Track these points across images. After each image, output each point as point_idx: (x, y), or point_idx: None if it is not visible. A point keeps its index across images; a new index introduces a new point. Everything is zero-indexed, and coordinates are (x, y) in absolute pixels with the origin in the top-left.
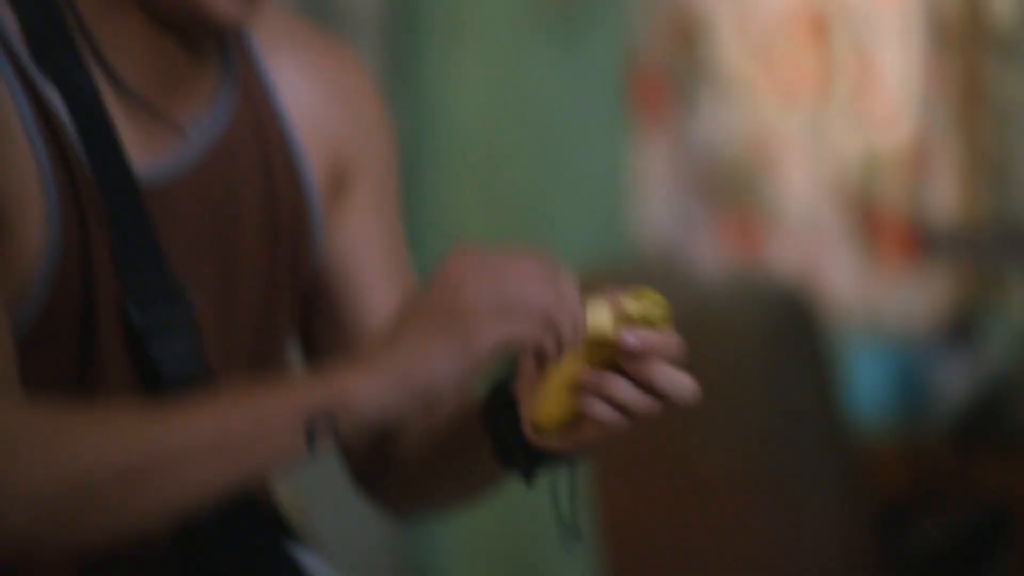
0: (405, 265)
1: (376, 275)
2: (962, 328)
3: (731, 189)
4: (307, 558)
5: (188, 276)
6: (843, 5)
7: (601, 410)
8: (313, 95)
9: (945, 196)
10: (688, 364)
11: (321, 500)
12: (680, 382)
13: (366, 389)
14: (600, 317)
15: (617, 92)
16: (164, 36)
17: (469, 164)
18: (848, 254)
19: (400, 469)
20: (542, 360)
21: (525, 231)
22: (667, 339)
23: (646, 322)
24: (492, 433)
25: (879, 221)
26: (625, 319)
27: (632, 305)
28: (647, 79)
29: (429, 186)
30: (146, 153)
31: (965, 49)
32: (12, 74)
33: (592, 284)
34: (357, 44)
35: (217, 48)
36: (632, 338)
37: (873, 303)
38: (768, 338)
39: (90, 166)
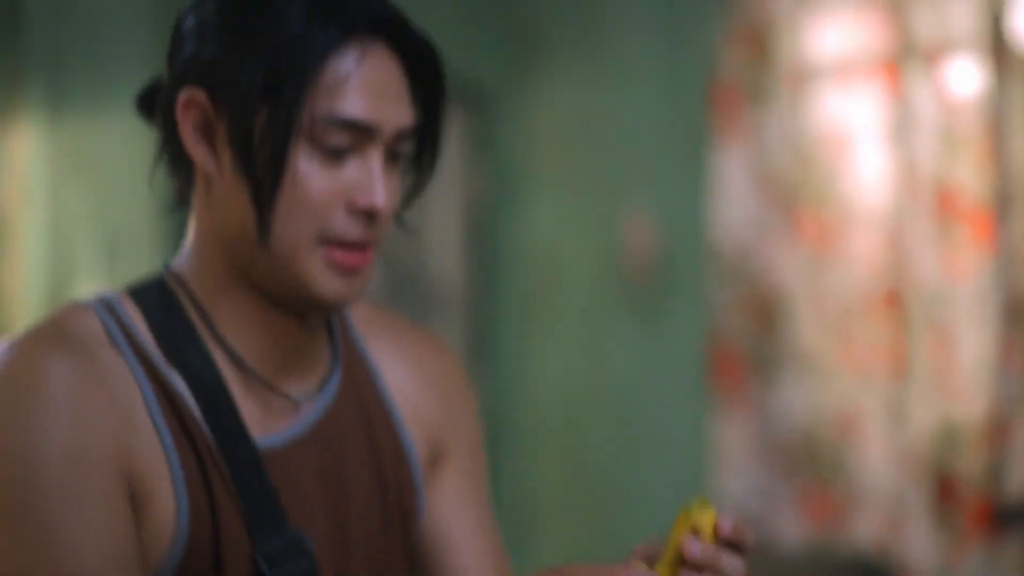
0: (493, 528)
1: (469, 539)
2: None
3: (810, 463)
4: None
5: (307, 533)
6: (917, 283)
7: None
8: (412, 379)
9: (1021, 470)
10: None
11: None
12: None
13: None
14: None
15: (697, 367)
16: (278, 317)
17: (549, 437)
18: (926, 526)
19: None
20: None
21: (605, 505)
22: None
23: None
24: None
25: (956, 494)
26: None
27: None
28: (727, 355)
29: (509, 459)
30: (264, 425)
31: None
32: (140, 368)
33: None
34: (441, 319)
35: (324, 329)
36: (695, 548)
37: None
38: None
39: (214, 441)
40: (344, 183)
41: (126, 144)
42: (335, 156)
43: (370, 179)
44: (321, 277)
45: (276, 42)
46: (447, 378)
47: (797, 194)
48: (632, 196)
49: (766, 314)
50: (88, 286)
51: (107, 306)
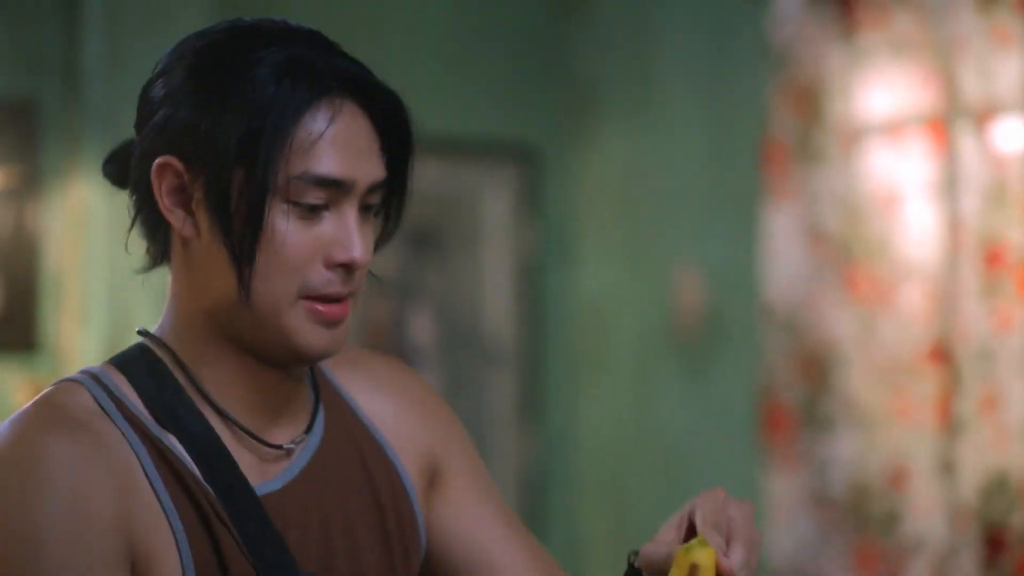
0: (523, 527)
1: (503, 542)
2: None
3: (861, 516)
4: None
5: (318, 574)
6: (966, 337)
7: None
8: (389, 406)
9: None
10: None
11: None
12: None
13: None
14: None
15: (747, 422)
16: (263, 371)
17: (598, 492)
18: None
19: None
20: None
21: None
22: None
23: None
24: None
25: (1007, 547)
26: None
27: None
28: (777, 409)
29: (558, 512)
30: (260, 472)
31: None
32: (134, 434)
33: None
34: (492, 374)
35: (307, 375)
36: None
37: None
38: None
39: (215, 495)
40: (321, 239)
41: None
42: (311, 213)
43: (347, 234)
44: (304, 331)
45: (249, 105)
46: (422, 399)
47: (847, 250)
48: (681, 252)
49: (816, 368)
50: None
51: (95, 379)
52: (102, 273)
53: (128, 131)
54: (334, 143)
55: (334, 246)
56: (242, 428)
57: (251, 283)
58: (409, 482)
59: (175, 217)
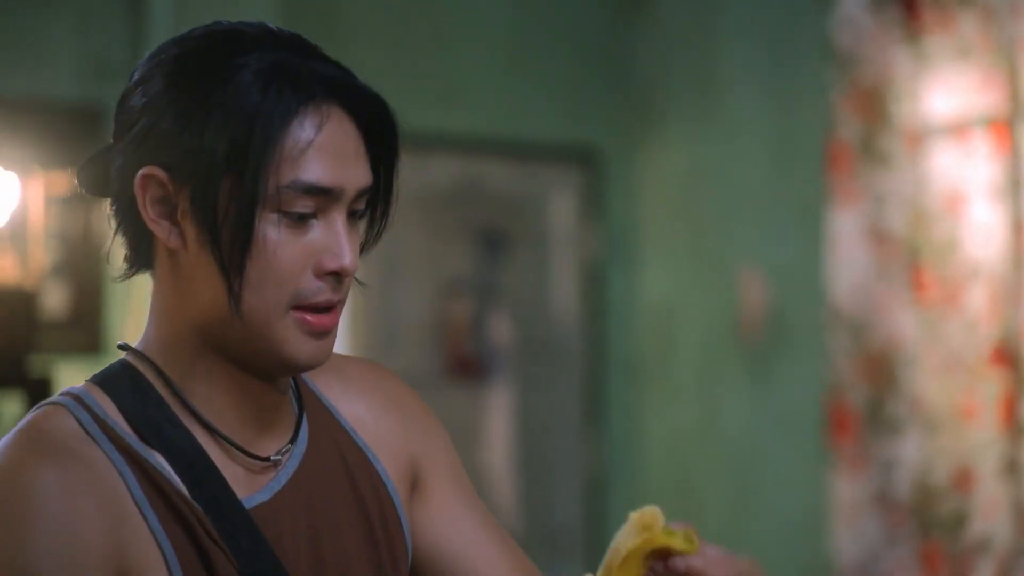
0: (504, 535)
1: (482, 550)
2: None
3: (928, 518)
4: None
5: None
6: None
7: None
8: (369, 409)
9: None
10: None
11: None
12: None
13: None
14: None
15: (813, 424)
16: (250, 382)
17: (663, 494)
18: None
19: None
20: None
21: None
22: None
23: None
24: None
25: None
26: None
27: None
28: (843, 411)
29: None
30: (248, 485)
31: None
32: (119, 456)
33: None
34: (560, 377)
35: (290, 383)
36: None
37: None
38: None
39: (205, 512)
40: (311, 247)
41: None
42: (300, 222)
43: (336, 241)
44: (294, 341)
45: (234, 113)
46: (401, 402)
47: (912, 251)
48: (746, 254)
49: (882, 370)
50: None
51: (78, 400)
52: None
53: None
54: (322, 150)
55: (324, 254)
56: (229, 441)
57: (241, 295)
58: (392, 487)
59: (160, 228)
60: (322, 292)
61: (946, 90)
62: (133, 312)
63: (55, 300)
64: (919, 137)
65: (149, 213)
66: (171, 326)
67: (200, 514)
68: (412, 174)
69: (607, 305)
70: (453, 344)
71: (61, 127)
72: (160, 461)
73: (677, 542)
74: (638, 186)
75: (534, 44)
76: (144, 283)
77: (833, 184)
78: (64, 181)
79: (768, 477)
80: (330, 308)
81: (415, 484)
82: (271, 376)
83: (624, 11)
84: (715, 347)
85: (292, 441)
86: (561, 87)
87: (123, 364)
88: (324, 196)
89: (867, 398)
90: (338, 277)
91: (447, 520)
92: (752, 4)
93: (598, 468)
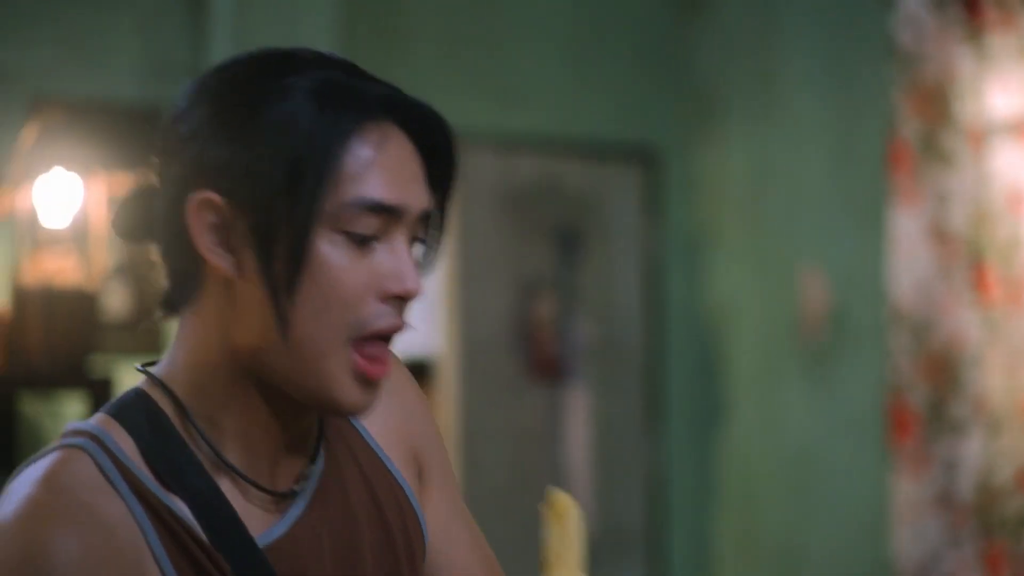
0: (484, 544)
1: (465, 560)
2: None
3: (991, 519)
4: None
5: None
6: None
7: None
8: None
9: None
10: None
11: None
12: None
13: None
14: None
15: (875, 425)
16: (285, 414)
17: (725, 495)
18: None
19: None
20: None
21: (782, 566)
22: None
23: None
24: None
25: None
26: None
27: None
28: (905, 412)
29: (684, 518)
30: (263, 519)
31: None
32: (139, 506)
33: None
34: (622, 378)
35: None
36: None
37: None
38: None
39: (223, 557)
40: (375, 271)
41: None
42: (362, 244)
43: (401, 264)
44: (344, 384)
45: (291, 132)
46: (404, 390)
47: (975, 251)
48: (806, 253)
49: (944, 370)
50: None
51: (97, 441)
52: None
53: None
54: (385, 168)
55: (388, 278)
56: (250, 482)
57: (295, 320)
58: (407, 486)
59: (215, 255)
60: (386, 316)
61: (1008, 88)
62: None
63: (116, 301)
64: (981, 136)
65: (204, 241)
66: (208, 356)
67: (220, 562)
68: (485, 172)
69: (668, 305)
70: (539, 345)
71: (122, 128)
72: (179, 505)
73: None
74: (699, 185)
75: (595, 43)
76: None
77: (894, 183)
78: (126, 182)
79: (829, 478)
80: (391, 337)
81: (420, 479)
82: (308, 414)
83: (685, 10)
84: (776, 347)
85: (312, 460)
86: (621, 86)
87: (138, 394)
88: (387, 216)
89: (929, 398)
90: (402, 302)
91: (442, 525)
92: (813, 3)
93: (660, 469)
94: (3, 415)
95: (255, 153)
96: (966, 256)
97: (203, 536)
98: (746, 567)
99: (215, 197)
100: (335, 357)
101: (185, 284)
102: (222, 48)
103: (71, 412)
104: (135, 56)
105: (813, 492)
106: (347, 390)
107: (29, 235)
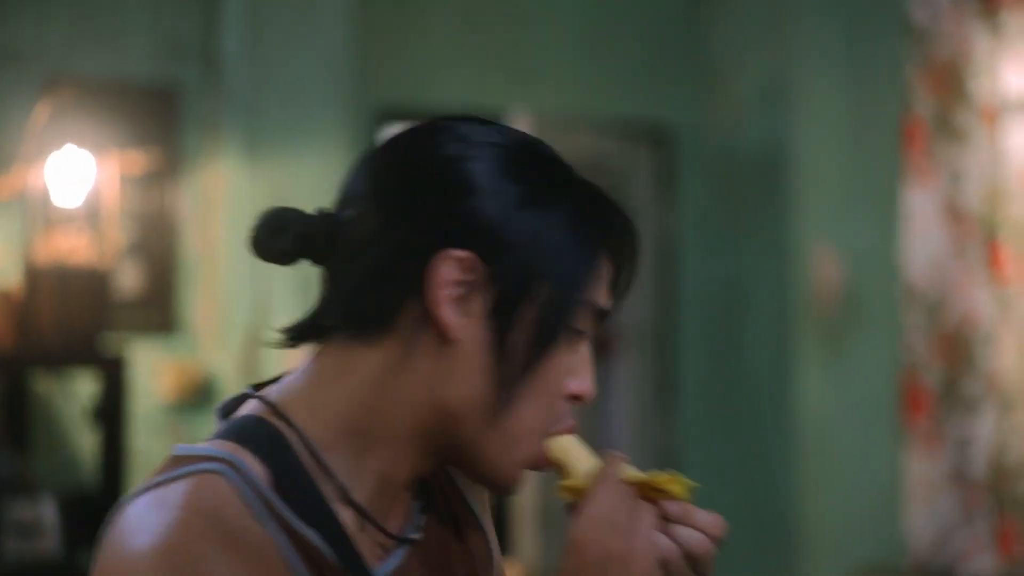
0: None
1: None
2: None
3: (1003, 496)
4: None
5: None
6: None
7: None
8: None
9: None
10: None
11: None
12: None
13: None
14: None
15: (888, 402)
16: (424, 466)
17: (737, 473)
18: None
19: None
20: None
21: (794, 543)
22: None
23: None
24: None
25: None
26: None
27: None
28: (919, 389)
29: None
30: (373, 557)
31: None
32: (282, 535)
33: None
34: (630, 354)
35: None
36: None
37: None
38: None
39: None
40: (569, 368)
41: (319, 182)
42: (575, 342)
43: (585, 366)
44: (519, 471)
45: (593, 230)
46: None
47: (989, 229)
48: (820, 232)
49: (957, 348)
50: (284, 322)
51: (234, 467)
52: (241, 255)
53: (264, 115)
54: (604, 277)
55: (572, 378)
56: (372, 521)
57: (515, 401)
58: (492, 537)
59: (448, 313)
60: (567, 417)
61: (1023, 67)
62: (206, 292)
63: (129, 279)
64: (995, 114)
65: (437, 295)
66: (397, 401)
67: None
68: None
69: (682, 283)
70: None
71: (135, 106)
72: (314, 536)
73: (676, 488)
74: (714, 164)
75: (610, 21)
76: (215, 263)
77: (909, 161)
78: (138, 160)
79: (843, 455)
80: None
81: None
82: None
83: None
84: (790, 325)
85: (423, 509)
86: (637, 64)
87: (259, 421)
88: (599, 322)
89: (942, 376)
90: (577, 402)
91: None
92: None
93: (674, 446)
94: (15, 393)
95: (537, 235)
96: (980, 234)
97: (341, 569)
98: (760, 545)
99: (474, 258)
100: (531, 446)
101: (367, 321)
102: (235, 26)
103: (83, 390)
104: (148, 35)
105: (826, 470)
106: (518, 476)
107: (42, 214)
